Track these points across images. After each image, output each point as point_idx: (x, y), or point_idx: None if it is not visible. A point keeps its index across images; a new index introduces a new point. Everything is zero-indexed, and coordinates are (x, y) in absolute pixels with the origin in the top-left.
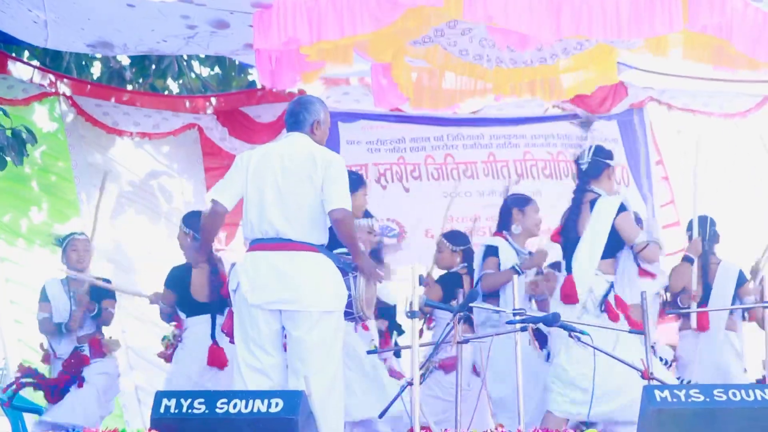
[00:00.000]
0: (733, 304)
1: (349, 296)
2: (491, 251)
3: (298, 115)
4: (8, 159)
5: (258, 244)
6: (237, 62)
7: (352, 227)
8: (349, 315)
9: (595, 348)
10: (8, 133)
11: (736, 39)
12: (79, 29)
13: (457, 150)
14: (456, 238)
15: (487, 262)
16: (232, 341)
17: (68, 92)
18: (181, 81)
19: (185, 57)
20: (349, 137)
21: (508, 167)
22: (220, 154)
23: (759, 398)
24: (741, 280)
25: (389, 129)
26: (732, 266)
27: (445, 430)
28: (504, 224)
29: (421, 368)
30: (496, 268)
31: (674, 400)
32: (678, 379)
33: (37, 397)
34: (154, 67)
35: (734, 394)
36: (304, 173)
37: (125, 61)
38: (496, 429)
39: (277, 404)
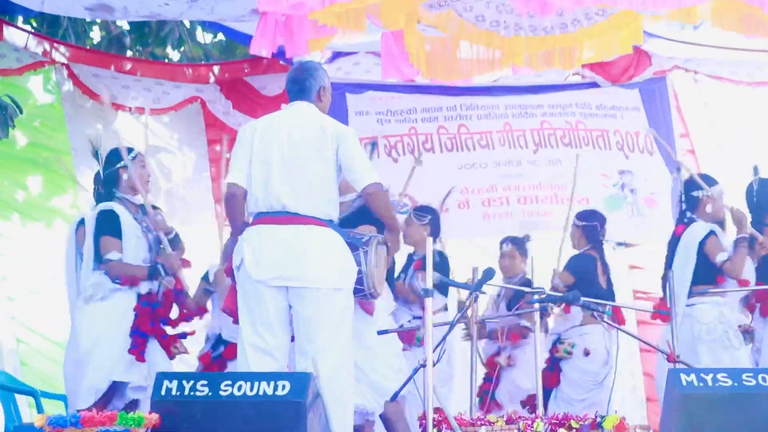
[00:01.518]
0: None
1: (360, 272)
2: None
3: (303, 82)
4: None
5: (263, 218)
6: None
7: (386, 199)
8: (359, 292)
9: (618, 328)
10: None
11: None
12: None
13: (471, 120)
14: (582, 215)
15: None
16: (235, 321)
17: (65, 60)
18: (182, 49)
19: (187, 24)
20: (357, 108)
21: (525, 137)
22: (224, 129)
23: None
24: None
25: (400, 99)
26: None
27: (460, 414)
28: None
29: (435, 349)
30: None
31: (701, 384)
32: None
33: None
34: (153, 35)
35: (764, 379)
36: (313, 145)
37: (125, 27)
38: (513, 415)
39: (284, 386)
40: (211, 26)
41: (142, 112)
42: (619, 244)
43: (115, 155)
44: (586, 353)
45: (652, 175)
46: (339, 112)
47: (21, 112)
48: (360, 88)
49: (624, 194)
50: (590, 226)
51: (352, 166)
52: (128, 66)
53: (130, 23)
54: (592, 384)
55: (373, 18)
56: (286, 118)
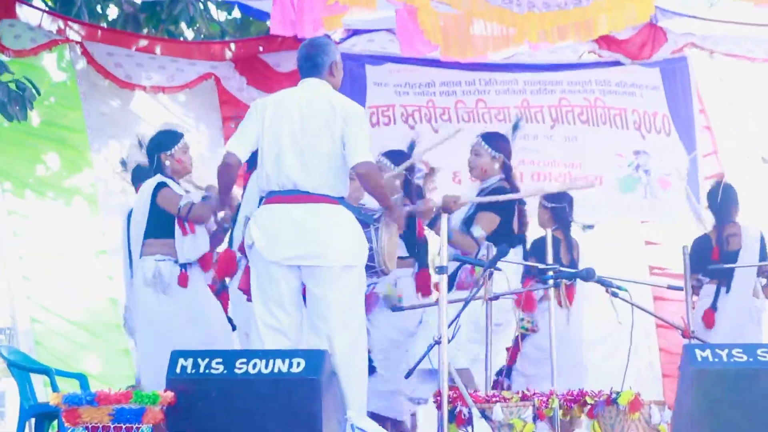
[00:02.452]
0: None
1: (371, 249)
2: None
3: (315, 58)
4: (12, 114)
5: (275, 197)
6: None
7: (378, 179)
8: (370, 269)
9: (633, 304)
10: (11, 86)
11: None
12: None
13: (489, 95)
14: (550, 196)
15: None
16: (249, 299)
17: (79, 38)
18: (196, 26)
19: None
20: (376, 79)
21: (543, 113)
22: (238, 105)
23: None
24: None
25: (419, 72)
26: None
27: (476, 391)
28: None
29: (450, 325)
30: None
31: (716, 360)
32: None
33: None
34: (166, 14)
35: None
36: (323, 122)
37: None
38: (528, 390)
39: (298, 364)
40: (226, 3)
41: (157, 92)
42: (587, 226)
43: (158, 142)
44: (534, 331)
45: (668, 157)
46: (358, 82)
47: (39, 93)
48: (379, 60)
49: (638, 175)
50: (559, 207)
51: (348, 142)
52: (142, 44)
53: (142, 2)
54: (545, 358)
55: None
56: (297, 95)
